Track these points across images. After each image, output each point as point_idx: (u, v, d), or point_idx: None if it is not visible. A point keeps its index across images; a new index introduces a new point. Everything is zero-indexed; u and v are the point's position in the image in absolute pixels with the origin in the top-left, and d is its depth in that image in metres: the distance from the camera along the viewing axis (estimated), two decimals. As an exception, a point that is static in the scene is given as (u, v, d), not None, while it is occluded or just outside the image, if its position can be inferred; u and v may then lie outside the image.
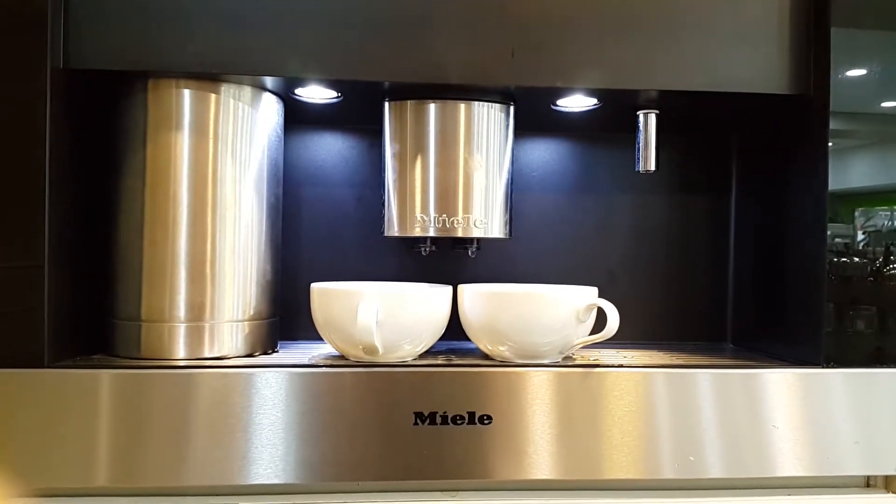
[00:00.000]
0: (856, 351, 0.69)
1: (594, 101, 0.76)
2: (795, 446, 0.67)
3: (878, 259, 0.69)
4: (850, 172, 0.68)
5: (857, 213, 0.70)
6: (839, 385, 0.68)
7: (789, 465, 0.67)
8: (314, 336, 0.73)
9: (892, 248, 0.69)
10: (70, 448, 0.61)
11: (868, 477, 0.71)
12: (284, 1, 0.66)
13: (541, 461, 0.65)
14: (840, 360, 0.68)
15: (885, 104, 0.70)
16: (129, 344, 0.69)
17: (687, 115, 0.83)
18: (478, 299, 0.71)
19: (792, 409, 0.67)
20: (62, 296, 0.65)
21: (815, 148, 0.70)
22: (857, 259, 0.69)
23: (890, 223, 0.70)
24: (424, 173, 0.73)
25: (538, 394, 0.65)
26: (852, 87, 0.69)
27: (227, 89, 0.69)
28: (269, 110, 0.73)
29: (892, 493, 0.70)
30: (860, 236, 0.70)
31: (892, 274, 0.69)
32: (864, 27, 0.70)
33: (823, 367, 0.68)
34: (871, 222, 0.70)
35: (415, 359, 0.71)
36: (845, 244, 0.69)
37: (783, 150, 0.77)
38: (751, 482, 0.69)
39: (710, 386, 0.67)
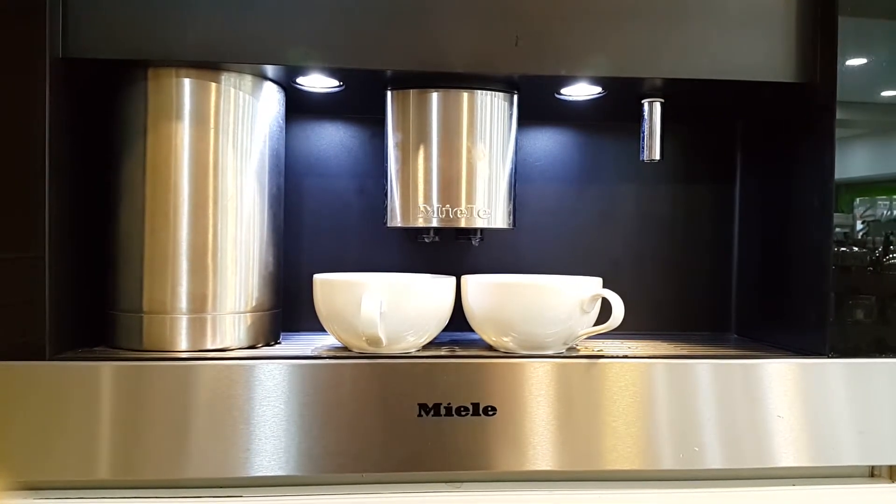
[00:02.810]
0: (858, 341, 0.68)
1: (598, 89, 0.75)
2: (800, 436, 0.67)
3: (877, 249, 0.69)
4: (849, 162, 0.68)
5: (856, 203, 0.69)
6: (843, 375, 0.68)
7: (793, 455, 0.67)
8: (317, 327, 0.73)
9: (891, 238, 0.69)
10: (72, 441, 0.61)
11: (872, 467, 0.71)
12: (285, -12, 0.65)
13: (545, 452, 0.65)
14: (842, 350, 0.68)
15: (885, 93, 0.70)
16: (131, 336, 0.68)
17: (692, 103, 0.82)
18: (482, 290, 0.71)
19: (796, 400, 0.67)
20: (63, 287, 0.64)
21: (820, 137, 0.69)
22: (856, 249, 0.68)
23: (889, 213, 0.70)
24: (427, 163, 0.72)
25: (542, 385, 0.65)
26: (856, 77, 0.68)
27: (227, 78, 0.69)
28: (271, 99, 0.73)
29: (897, 483, 0.70)
30: (859, 226, 0.69)
31: (892, 264, 0.69)
32: (870, 16, 0.69)
33: (828, 357, 0.68)
34: (869, 212, 0.69)
35: (418, 350, 0.71)
36: (844, 234, 0.68)
37: (788, 140, 0.76)
38: (755, 473, 0.69)
39: (714, 376, 0.67)
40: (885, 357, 0.68)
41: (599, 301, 0.70)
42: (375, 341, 0.65)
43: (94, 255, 0.70)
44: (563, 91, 0.76)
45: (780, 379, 0.67)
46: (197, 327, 0.68)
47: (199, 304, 0.68)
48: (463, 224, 0.72)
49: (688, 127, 0.89)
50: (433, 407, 0.64)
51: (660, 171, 0.88)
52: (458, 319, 0.73)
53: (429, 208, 0.72)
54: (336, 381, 0.64)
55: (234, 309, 0.70)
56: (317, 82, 0.73)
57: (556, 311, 0.68)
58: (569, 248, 0.88)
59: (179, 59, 0.66)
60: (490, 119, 0.73)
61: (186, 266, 0.68)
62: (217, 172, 0.68)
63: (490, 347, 0.72)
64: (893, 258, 0.69)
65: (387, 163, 0.74)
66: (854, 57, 0.68)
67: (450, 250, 0.84)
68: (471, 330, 0.74)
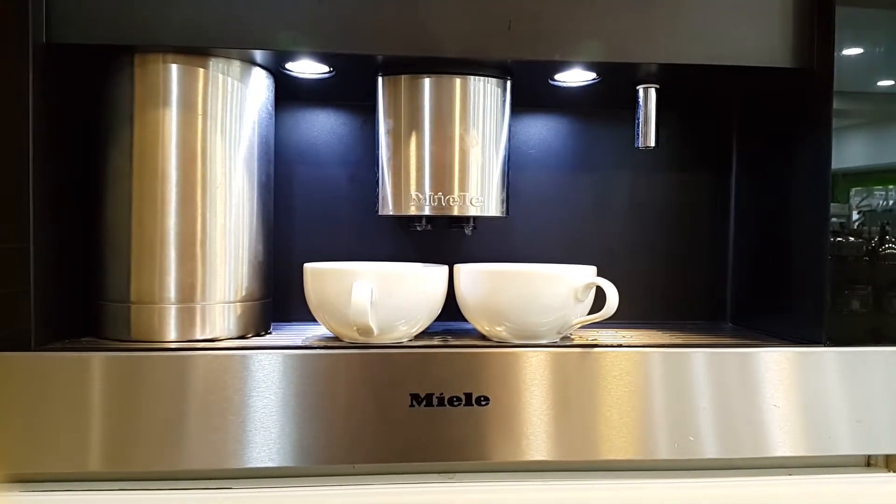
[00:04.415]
0: (854, 330, 0.68)
1: (593, 75, 0.74)
2: (796, 426, 0.67)
3: (873, 238, 0.68)
4: (846, 151, 0.68)
5: (852, 193, 0.69)
6: (839, 364, 0.67)
7: (789, 444, 0.67)
8: (308, 317, 0.72)
9: (887, 228, 0.69)
10: (58, 432, 0.60)
11: (868, 456, 0.71)
12: (274, -29, 0.64)
13: (539, 442, 0.64)
14: (838, 339, 0.68)
15: (883, 83, 0.69)
16: (119, 326, 0.68)
17: (688, 90, 0.82)
18: (474, 279, 0.70)
19: (792, 389, 0.67)
20: (48, 277, 0.64)
21: (817, 125, 0.69)
22: (852, 238, 0.68)
23: (885, 203, 0.69)
24: (419, 150, 0.71)
25: (536, 374, 0.65)
26: (853, 66, 0.68)
27: (215, 64, 0.68)
28: (260, 86, 0.72)
29: (893, 471, 0.70)
30: (855, 216, 0.69)
31: (888, 253, 0.68)
32: (867, 5, 0.69)
33: (824, 346, 0.67)
34: (865, 202, 0.69)
35: (410, 340, 0.70)
36: (841, 223, 0.68)
37: (785, 128, 0.76)
38: (750, 462, 0.69)
39: (709, 365, 0.67)
40: (882, 346, 0.68)
41: (594, 289, 0.69)
42: (366, 331, 0.65)
43: (80, 244, 0.69)
44: (557, 77, 0.75)
45: (776, 368, 0.67)
46: (186, 317, 0.67)
47: (187, 294, 0.67)
48: (456, 212, 0.72)
49: (683, 114, 0.88)
50: (425, 397, 0.63)
51: (655, 158, 0.87)
52: (451, 309, 0.72)
53: (421, 196, 0.71)
54: (327, 372, 0.63)
55: (223, 299, 0.69)
56: (306, 68, 0.72)
57: (550, 300, 0.67)
58: (563, 237, 0.87)
59: (166, 44, 0.65)
60: (483, 105, 0.72)
61: (175, 255, 0.67)
62: (205, 160, 0.67)
63: (483, 337, 0.72)
64: (889, 248, 0.69)
65: (378, 150, 0.74)
66: (851, 46, 0.67)
67: (443, 239, 0.83)
68: (464, 319, 0.73)
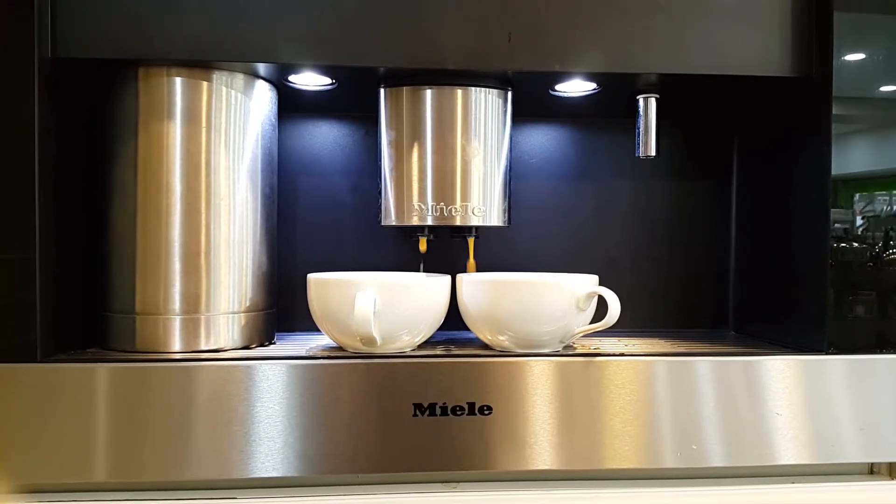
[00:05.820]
0: (857, 337, 0.68)
1: (593, 85, 0.74)
2: (799, 434, 0.67)
3: (877, 244, 0.68)
4: (849, 157, 0.68)
5: (855, 199, 0.69)
6: (842, 371, 0.67)
7: (792, 452, 0.67)
8: (311, 327, 0.72)
9: (891, 233, 0.69)
10: (66, 443, 0.61)
11: (872, 464, 0.71)
12: (276, -15, 0.64)
13: (542, 452, 0.64)
14: (841, 346, 0.68)
15: (884, 88, 0.69)
16: (124, 337, 0.68)
17: (688, 99, 0.82)
18: (477, 288, 0.70)
19: (795, 397, 0.67)
20: (54, 288, 0.64)
21: (817, 131, 0.69)
22: (856, 244, 0.68)
23: (889, 208, 0.69)
24: (421, 161, 0.72)
25: (539, 384, 0.65)
26: (853, 71, 0.68)
27: (219, 77, 0.68)
28: (263, 98, 0.72)
29: (897, 479, 0.70)
30: (859, 221, 0.69)
31: (892, 259, 0.68)
32: (866, 11, 0.69)
33: (827, 354, 0.67)
34: (869, 207, 0.69)
35: (413, 349, 0.70)
36: (844, 229, 0.68)
37: (785, 135, 0.76)
38: (754, 470, 0.69)
39: (712, 374, 0.67)
40: (885, 353, 0.68)
41: (595, 298, 0.69)
42: (370, 341, 0.65)
43: (85, 255, 0.70)
44: (557, 87, 0.75)
45: (779, 376, 0.67)
46: (190, 328, 0.68)
47: (192, 305, 0.68)
48: (458, 222, 0.72)
49: (684, 122, 0.88)
50: (428, 407, 0.63)
51: (656, 167, 0.87)
52: (454, 318, 0.72)
53: (423, 206, 0.72)
54: (331, 382, 0.63)
55: (227, 309, 0.69)
56: (309, 80, 0.73)
57: (552, 309, 0.67)
58: (564, 246, 0.87)
59: (170, 57, 0.65)
60: (484, 116, 0.72)
61: (179, 266, 0.67)
62: (209, 172, 0.68)
63: (486, 346, 0.72)
64: (893, 253, 0.69)
65: (381, 161, 0.74)
66: (851, 52, 0.68)
67: (445, 249, 0.83)
68: (466, 329, 0.73)
